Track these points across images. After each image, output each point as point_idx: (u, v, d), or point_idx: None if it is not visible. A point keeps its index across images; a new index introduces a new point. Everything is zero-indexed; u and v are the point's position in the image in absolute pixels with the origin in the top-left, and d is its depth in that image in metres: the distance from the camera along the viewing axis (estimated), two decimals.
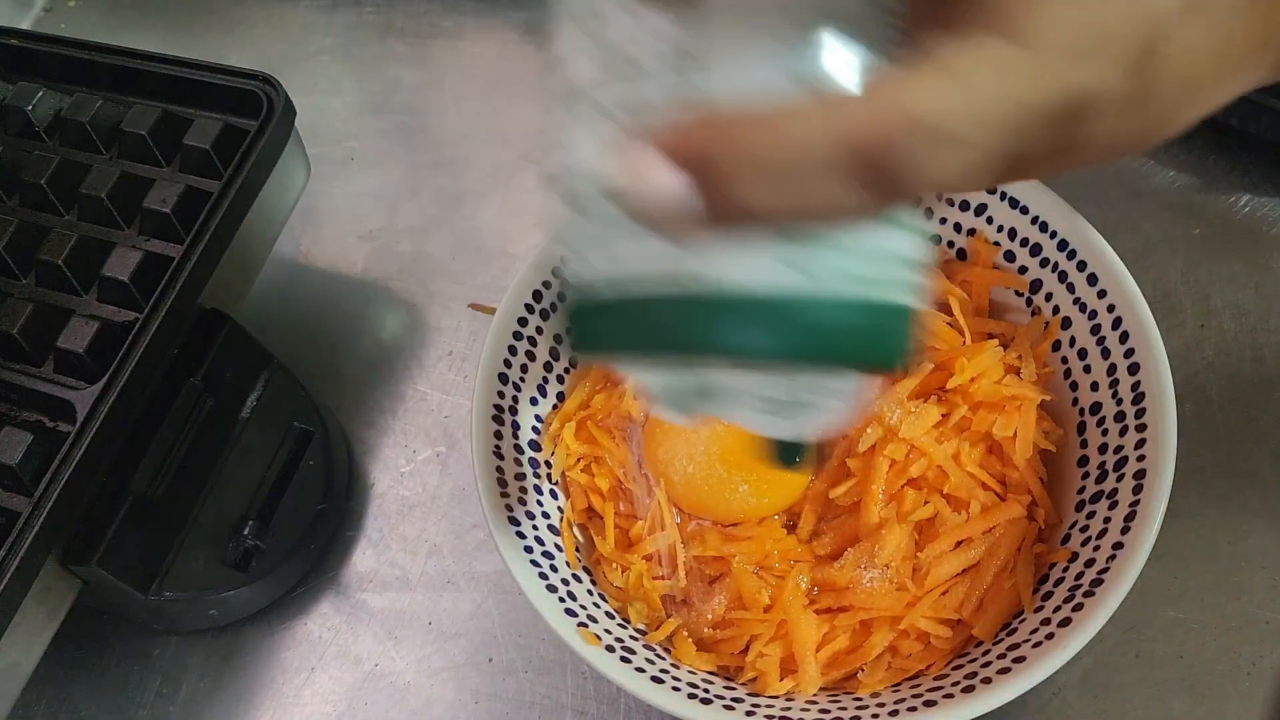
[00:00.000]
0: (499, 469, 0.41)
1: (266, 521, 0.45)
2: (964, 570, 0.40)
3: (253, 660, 0.47)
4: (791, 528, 0.42)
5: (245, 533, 0.45)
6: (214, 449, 0.45)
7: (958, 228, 0.46)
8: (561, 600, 0.38)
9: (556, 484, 0.43)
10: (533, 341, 0.44)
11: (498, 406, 0.42)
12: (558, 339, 0.45)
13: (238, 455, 0.46)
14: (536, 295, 0.45)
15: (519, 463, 0.42)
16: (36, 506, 0.39)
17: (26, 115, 0.49)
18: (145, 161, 0.48)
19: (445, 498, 0.50)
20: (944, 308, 0.45)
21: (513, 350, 0.44)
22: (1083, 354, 0.42)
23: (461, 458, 0.50)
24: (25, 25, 0.69)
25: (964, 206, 0.46)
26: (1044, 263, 0.44)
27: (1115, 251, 0.42)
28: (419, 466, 0.51)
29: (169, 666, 0.47)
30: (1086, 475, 0.41)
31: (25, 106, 0.49)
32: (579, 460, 0.44)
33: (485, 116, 0.61)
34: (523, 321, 0.44)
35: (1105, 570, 0.37)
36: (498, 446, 0.41)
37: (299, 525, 0.46)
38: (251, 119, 0.48)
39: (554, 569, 0.40)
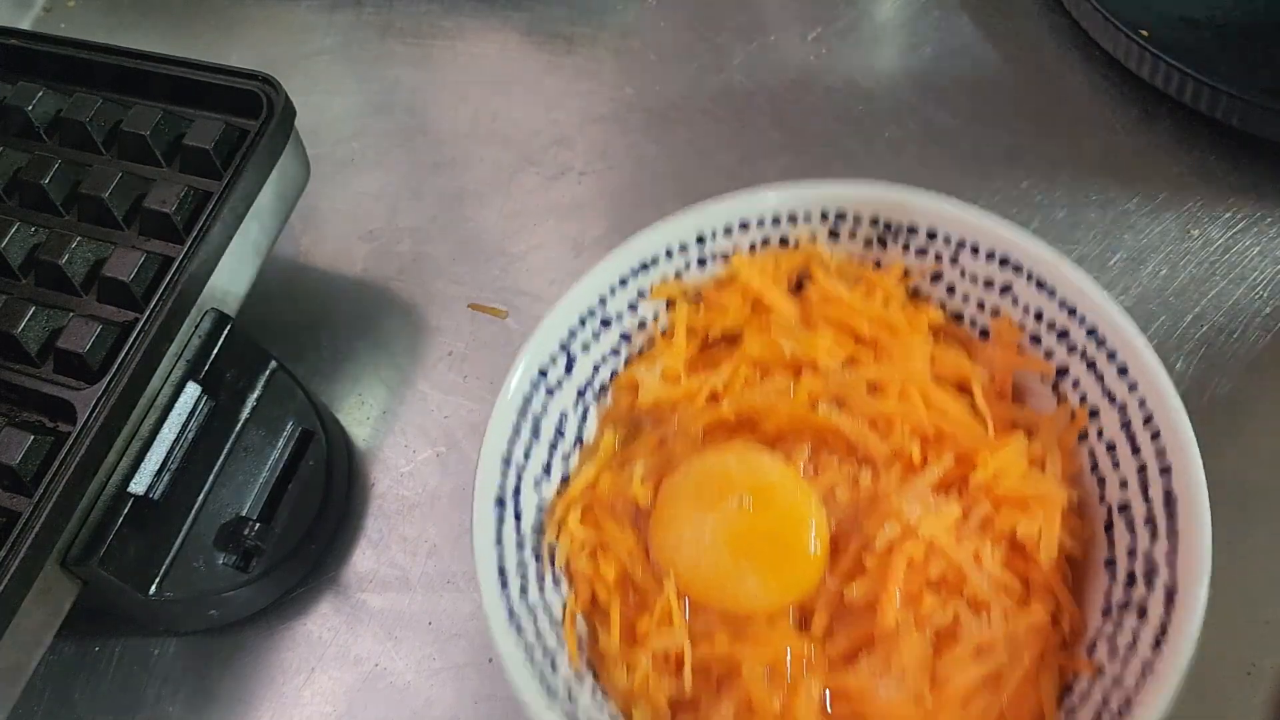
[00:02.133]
0: (500, 559, 0.39)
1: (267, 522, 0.45)
2: (984, 678, 0.37)
3: (253, 661, 0.47)
4: (804, 623, 0.40)
5: (245, 533, 0.44)
6: (214, 449, 0.45)
7: (981, 305, 0.44)
8: (561, 701, 0.36)
9: (561, 570, 0.41)
10: (537, 420, 0.42)
11: (500, 488, 0.40)
12: (563, 416, 0.43)
13: (238, 455, 0.46)
14: (543, 372, 0.42)
15: (521, 549, 0.40)
16: (36, 507, 0.39)
17: (26, 115, 0.49)
18: (145, 162, 0.48)
19: (445, 498, 0.50)
20: (965, 390, 0.43)
21: (517, 431, 0.41)
22: (1111, 447, 0.40)
23: (462, 458, 0.50)
24: (25, 25, 0.69)
25: (988, 284, 0.43)
26: (1071, 349, 0.41)
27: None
28: (419, 466, 0.51)
29: (169, 667, 0.47)
30: (1114, 579, 0.38)
31: (25, 106, 0.49)
32: (584, 547, 0.41)
33: (485, 116, 0.61)
34: (527, 400, 0.41)
35: (1134, 692, 0.34)
36: (499, 534, 0.39)
37: (299, 525, 0.46)
38: (251, 119, 0.48)
39: (554, 668, 0.38)
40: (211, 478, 0.45)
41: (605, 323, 0.44)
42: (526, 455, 0.41)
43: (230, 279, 0.47)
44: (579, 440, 0.44)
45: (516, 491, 0.41)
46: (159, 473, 0.43)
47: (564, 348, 0.43)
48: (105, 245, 0.46)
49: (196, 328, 0.45)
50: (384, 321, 0.55)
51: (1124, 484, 0.39)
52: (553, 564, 0.41)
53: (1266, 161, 0.54)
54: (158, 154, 0.48)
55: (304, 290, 0.56)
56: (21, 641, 0.40)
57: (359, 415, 0.52)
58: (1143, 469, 0.38)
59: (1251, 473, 0.46)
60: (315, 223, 0.59)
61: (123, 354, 0.42)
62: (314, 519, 0.46)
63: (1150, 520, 0.37)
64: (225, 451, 0.46)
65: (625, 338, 0.45)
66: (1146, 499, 0.38)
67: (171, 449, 0.43)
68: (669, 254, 0.44)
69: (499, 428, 0.41)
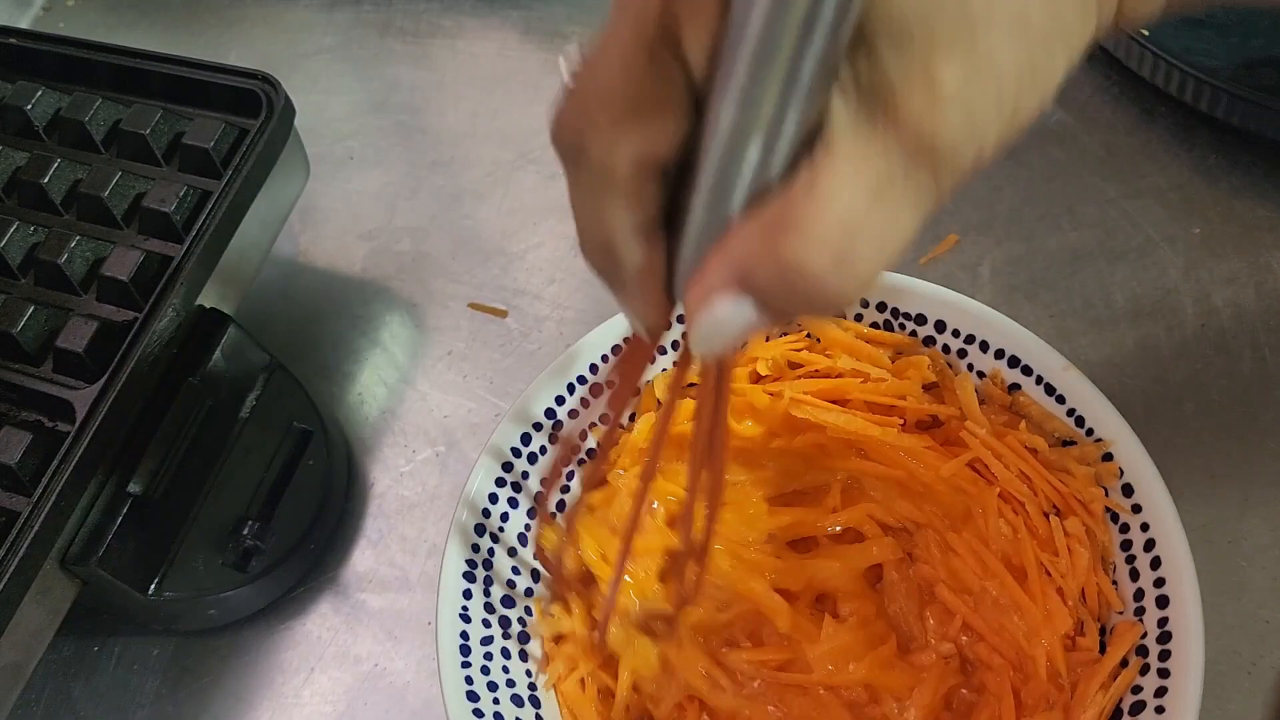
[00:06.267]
0: (464, 634, 0.39)
1: (266, 521, 0.45)
2: None
3: (252, 660, 0.47)
4: None
5: (245, 533, 0.44)
6: (214, 449, 0.45)
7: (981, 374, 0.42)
8: None
9: (528, 647, 0.41)
10: (516, 488, 0.42)
11: (470, 563, 0.40)
12: (544, 482, 0.43)
13: (237, 455, 0.46)
14: (524, 438, 0.42)
15: (488, 624, 0.39)
16: (36, 506, 0.39)
17: (26, 115, 0.49)
18: (145, 161, 0.48)
19: (444, 497, 0.49)
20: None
21: (493, 499, 0.41)
22: (1109, 568, 0.39)
23: (461, 457, 0.50)
24: (24, 24, 0.69)
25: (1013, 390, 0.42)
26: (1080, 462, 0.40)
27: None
28: (418, 466, 0.50)
29: (168, 666, 0.47)
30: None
31: (24, 106, 0.49)
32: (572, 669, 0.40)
33: (484, 116, 0.61)
34: (508, 467, 0.41)
35: None
36: (465, 609, 0.39)
37: (298, 525, 0.46)
38: (251, 118, 0.48)
39: None
40: (211, 477, 0.45)
41: (595, 390, 0.44)
42: (503, 522, 0.41)
43: (230, 279, 0.47)
44: (560, 507, 0.43)
45: (489, 562, 0.41)
46: (158, 472, 0.43)
47: (550, 414, 0.43)
48: (104, 244, 0.46)
49: (196, 327, 0.45)
50: (383, 321, 0.55)
51: (1119, 611, 0.38)
52: (521, 637, 0.41)
53: (1266, 161, 0.54)
54: (157, 153, 0.48)
55: (303, 290, 0.56)
56: (21, 641, 0.40)
57: (359, 415, 0.52)
58: (1140, 595, 0.37)
59: (1252, 472, 0.46)
60: (314, 222, 0.58)
61: (122, 354, 0.42)
62: (313, 519, 0.46)
63: (1143, 651, 0.36)
64: (225, 451, 0.46)
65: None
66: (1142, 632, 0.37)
67: (171, 449, 0.43)
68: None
69: (474, 498, 0.40)
